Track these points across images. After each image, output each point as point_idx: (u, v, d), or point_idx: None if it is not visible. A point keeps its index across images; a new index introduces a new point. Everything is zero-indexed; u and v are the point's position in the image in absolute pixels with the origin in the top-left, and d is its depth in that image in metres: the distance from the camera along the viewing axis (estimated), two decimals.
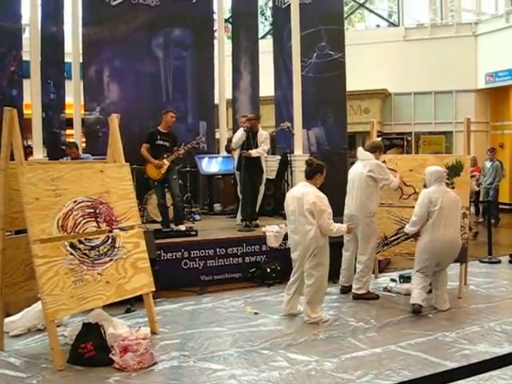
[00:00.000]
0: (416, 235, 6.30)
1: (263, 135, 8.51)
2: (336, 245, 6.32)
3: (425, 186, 6.07)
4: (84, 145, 10.78)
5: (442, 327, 5.29)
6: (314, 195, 5.46)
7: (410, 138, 17.40)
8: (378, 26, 18.75)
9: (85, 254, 4.78)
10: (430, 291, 6.00)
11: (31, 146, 8.81)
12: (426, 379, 2.62)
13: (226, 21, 14.33)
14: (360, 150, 6.57)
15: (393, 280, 6.91)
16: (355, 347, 4.80)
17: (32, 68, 8.61)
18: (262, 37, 16.53)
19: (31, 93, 8.66)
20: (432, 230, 5.74)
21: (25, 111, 9.27)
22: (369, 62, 16.31)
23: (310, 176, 5.66)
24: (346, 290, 6.55)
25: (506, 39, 15.49)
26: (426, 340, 4.95)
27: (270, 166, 10.75)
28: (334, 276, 7.13)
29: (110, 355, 4.45)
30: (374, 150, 6.50)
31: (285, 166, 9.69)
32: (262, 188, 8.92)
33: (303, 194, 5.50)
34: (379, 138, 6.61)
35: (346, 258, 6.56)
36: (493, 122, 16.99)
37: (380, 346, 4.81)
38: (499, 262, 8.42)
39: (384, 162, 6.96)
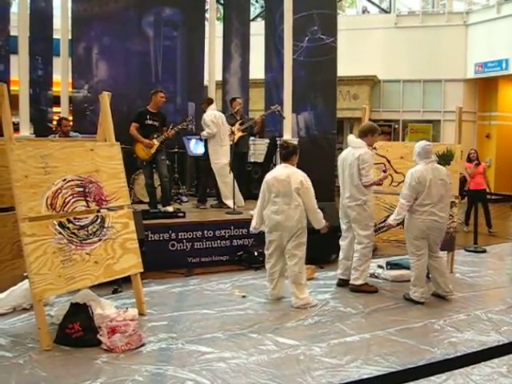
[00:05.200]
0: (403, 222, 6.32)
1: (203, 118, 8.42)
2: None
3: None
4: (71, 123, 10.62)
5: (429, 315, 5.33)
6: (300, 175, 5.59)
7: (396, 126, 17.45)
8: (366, 10, 18.76)
9: (73, 233, 4.72)
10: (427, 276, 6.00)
11: (15, 122, 8.66)
12: (414, 370, 2.62)
13: (217, 2, 14.15)
14: (351, 137, 6.31)
15: (380, 266, 6.91)
16: (343, 332, 4.81)
17: (20, 43, 8.43)
18: (253, 19, 16.38)
19: (19, 69, 8.49)
20: (420, 208, 5.61)
21: (11, 87, 9.10)
22: (359, 47, 16.28)
23: (287, 157, 5.73)
24: (342, 283, 6.28)
25: (497, 30, 15.54)
26: (414, 327, 4.98)
27: (259, 150, 10.74)
28: (320, 261, 7.19)
29: (98, 336, 4.41)
30: (365, 134, 6.15)
31: (273, 149, 9.65)
32: (223, 172, 8.38)
33: (288, 174, 5.56)
34: (369, 122, 6.41)
35: (343, 248, 6.32)
36: (480, 113, 17.09)
37: (368, 331, 4.83)
38: (484, 251, 8.50)
39: (375, 148, 6.96)
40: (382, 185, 6.37)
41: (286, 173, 5.60)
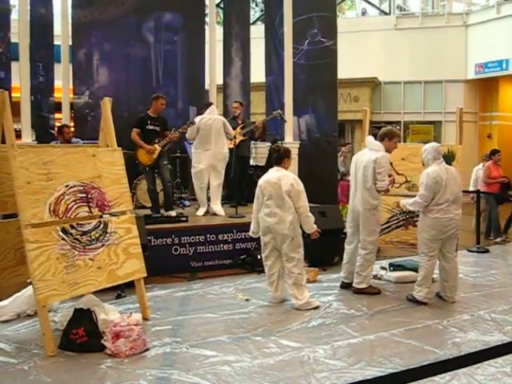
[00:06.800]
0: (407, 224, 6.31)
1: None
2: (326, 231, 6.32)
3: (423, 164, 5.91)
4: (73, 129, 10.66)
5: (432, 315, 5.34)
6: (291, 177, 5.62)
7: (398, 127, 17.44)
8: (365, 10, 18.82)
9: (76, 239, 4.73)
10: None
11: (16, 129, 8.70)
12: (418, 370, 2.62)
13: (217, 6, 14.19)
14: (370, 139, 6.22)
15: (383, 268, 6.91)
16: (347, 334, 4.82)
17: (21, 50, 8.48)
18: (253, 23, 16.41)
19: (20, 75, 8.53)
20: (436, 207, 5.60)
21: (12, 94, 9.14)
22: (359, 50, 16.30)
23: (278, 161, 5.76)
24: (345, 285, 6.26)
25: (497, 30, 15.55)
26: (418, 328, 4.99)
27: (260, 153, 10.73)
28: (323, 264, 7.21)
29: (102, 341, 4.42)
30: (381, 138, 6.07)
31: None
32: (198, 177, 8.23)
33: (279, 177, 5.60)
34: (389, 127, 6.28)
35: (348, 252, 6.27)
36: (481, 113, 17.10)
37: (372, 333, 4.83)
38: (487, 251, 8.51)
39: None
40: (388, 191, 6.34)
41: (277, 176, 5.63)
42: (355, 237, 6.17)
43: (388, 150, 6.03)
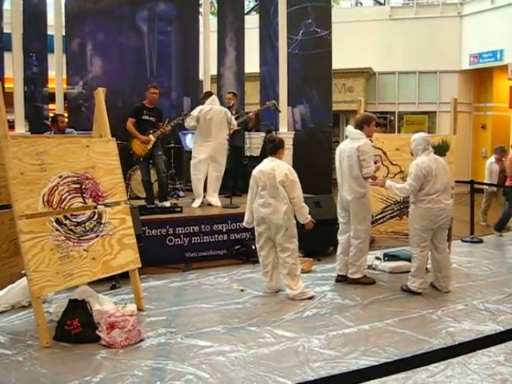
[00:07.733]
0: (401, 214, 6.31)
1: None
2: (321, 222, 6.31)
3: (411, 154, 5.90)
4: (66, 120, 10.61)
5: (427, 305, 5.35)
6: (285, 168, 5.62)
7: (392, 118, 17.47)
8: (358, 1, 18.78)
9: (71, 229, 4.71)
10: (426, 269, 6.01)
11: (10, 120, 8.66)
12: (413, 359, 2.64)
13: None
14: (349, 128, 6.18)
15: (377, 258, 6.92)
16: (342, 324, 4.83)
17: (14, 40, 8.41)
18: (247, 12, 16.35)
19: (13, 66, 8.47)
20: (426, 197, 5.60)
21: (6, 85, 9.08)
22: (354, 40, 16.26)
23: (273, 151, 5.76)
24: (341, 279, 6.14)
25: (491, 20, 15.53)
26: (412, 317, 5.01)
27: (255, 144, 10.71)
28: (318, 254, 7.21)
29: (97, 332, 4.42)
30: (360, 125, 6.03)
31: None
32: (196, 167, 8.19)
33: (273, 168, 5.60)
34: (363, 113, 6.25)
35: (341, 243, 6.17)
36: (475, 103, 17.11)
37: (366, 323, 4.84)
38: (481, 241, 8.54)
39: (371, 140, 6.95)
40: (376, 178, 6.29)
41: (271, 166, 5.63)
42: (347, 227, 6.11)
43: (369, 136, 6.07)
